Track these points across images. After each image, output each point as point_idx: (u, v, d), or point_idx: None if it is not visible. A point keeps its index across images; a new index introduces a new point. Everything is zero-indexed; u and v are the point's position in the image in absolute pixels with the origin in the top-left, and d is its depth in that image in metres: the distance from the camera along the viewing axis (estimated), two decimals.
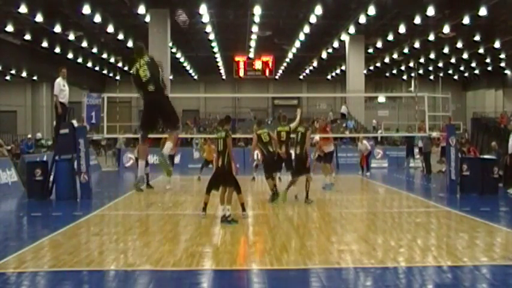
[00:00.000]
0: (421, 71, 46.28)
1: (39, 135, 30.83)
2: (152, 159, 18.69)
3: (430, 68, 46.84)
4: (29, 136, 27.19)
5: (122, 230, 9.65)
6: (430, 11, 25.10)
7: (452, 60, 42.08)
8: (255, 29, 29.94)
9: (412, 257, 7.67)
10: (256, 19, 27.35)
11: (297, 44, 34.35)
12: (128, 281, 6.57)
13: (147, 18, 28.58)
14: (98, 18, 26.60)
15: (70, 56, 37.02)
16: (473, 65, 44.69)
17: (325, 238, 8.92)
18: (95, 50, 36.43)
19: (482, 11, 24.38)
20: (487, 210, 11.49)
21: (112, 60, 40.86)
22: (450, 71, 48.85)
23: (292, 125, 13.35)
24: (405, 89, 50.61)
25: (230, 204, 10.01)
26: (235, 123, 32.00)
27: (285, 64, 43.67)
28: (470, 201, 12.96)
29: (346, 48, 35.19)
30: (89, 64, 41.70)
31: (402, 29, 29.06)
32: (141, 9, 26.40)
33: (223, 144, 9.93)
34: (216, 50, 37.34)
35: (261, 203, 12.94)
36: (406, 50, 36.76)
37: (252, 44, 34.66)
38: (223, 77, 48.58)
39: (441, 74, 47.99)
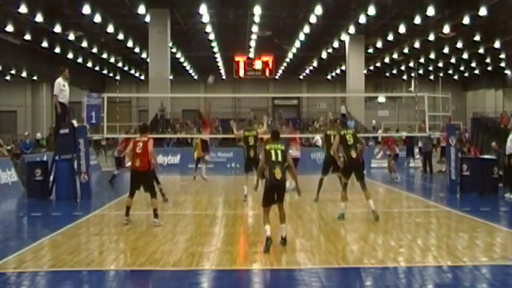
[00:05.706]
0: (421, 71, 46.25)
1: (38, 135, 30.77)
2: None
3: (430, 68, 46.82)
4: (26, 133, 26.83)
5: (122, 230, 9.64)
6: (430, 11, 25.09)
7: (452, 60, 42.08)
8: (255, 29, 29.94)
9: (412, 257, 7.67)
10: (256, 19, 27.34)
11: (297, 44, 34.34)
12: (128, 281, 6.58)
13: (147, 18, 28.58)
14: (98, 18, 26.60)
15: (70, 56, 37.01)
16: (473, 65, 44.68)
17: (325, 238, 8.92)
18: (95, 50, 36.42)
19: (482, 11, 24.38)
20: (487, 210, 11.47)
21: (112, 60, 40.83)
22: (450, 71, 48.84)
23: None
24: (405, 89, 50.58)
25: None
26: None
27: (285, 64, 43.66)
28: (470, 201, 12.94)
29: (346, 48, 35.15)
30: (89, 64, 41.68)
31: (402, 29, 29.05)
32: (141, 9, 26.41)
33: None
34: (216, 50, 37.35)
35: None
36: (406, 50, 36.75)
37: (252, 44, 34.66)
38: (223, 77, 48.58)
39: (441, 74, 47.98)
